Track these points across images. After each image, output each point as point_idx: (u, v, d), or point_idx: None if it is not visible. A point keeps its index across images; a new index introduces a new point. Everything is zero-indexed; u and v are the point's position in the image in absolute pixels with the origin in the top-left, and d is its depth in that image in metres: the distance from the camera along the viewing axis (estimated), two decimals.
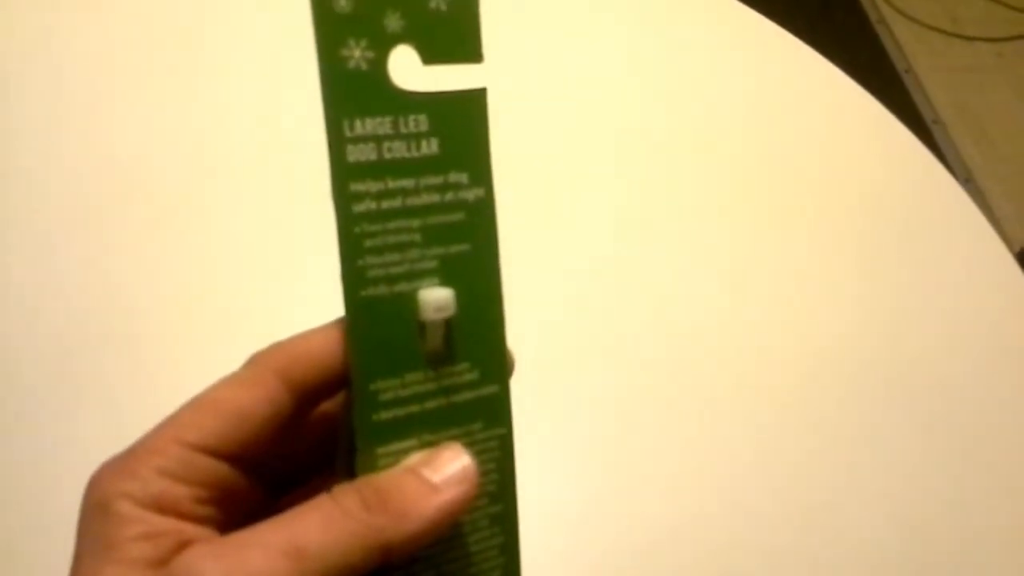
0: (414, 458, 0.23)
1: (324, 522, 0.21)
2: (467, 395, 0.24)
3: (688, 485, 0.48)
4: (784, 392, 0.52)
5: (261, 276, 0.52)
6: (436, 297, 0.23)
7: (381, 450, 0.23)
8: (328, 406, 0.25)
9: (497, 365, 0.25)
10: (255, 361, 0.24)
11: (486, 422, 0.25)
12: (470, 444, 0.24)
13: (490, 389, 0.25)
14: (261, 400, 0.23)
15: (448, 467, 0.23)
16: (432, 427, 0.24)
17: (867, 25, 1.84)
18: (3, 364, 0.48)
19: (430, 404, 0.24)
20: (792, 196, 0.61)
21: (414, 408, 0.24)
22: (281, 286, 0.51)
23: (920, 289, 0.58)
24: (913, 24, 1.84)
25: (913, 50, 1.79)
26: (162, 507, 0.22)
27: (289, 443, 0.25)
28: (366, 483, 0.22)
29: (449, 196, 0.24)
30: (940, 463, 0.51)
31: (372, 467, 0.23)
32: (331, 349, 0.23)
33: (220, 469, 0.23)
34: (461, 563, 0.25)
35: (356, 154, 0.23)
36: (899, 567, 0.47)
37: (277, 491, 0.25)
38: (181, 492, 0.22)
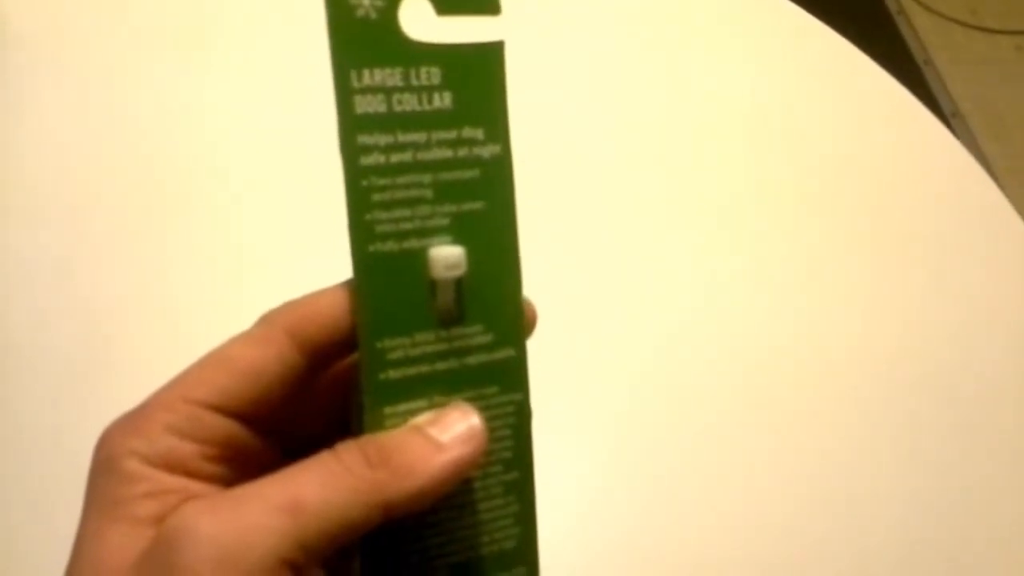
0: (421, 417, 0.23)
1: (324, 477, 0.21)
2: (481, 357, 0.24)
3: (707, 475, 0.47)
4: (805, 383, 0.51)
5: (271, 271, 0.52)
6: (447, 254, 0.23)
7: (389, 409, 0.23)
8: (345, 366, 0.25)
9: (513, 328, 0.24)
10: (265, 320, 0.23)
11: (501, 386, 0.24)
12: (484, 408, 0.23)
13: (505, 353, 0.24)
14: (271, 358, 0.23)
15: (455, 426, 0.22)
16: (443, 389, 0.23)
17: (886, 16, 1.82)
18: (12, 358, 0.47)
19: (441, 365, 0.23)
20: (816, 183, 0.60)
21: (424, 368, 0.23)
22: (293, 282, 0.51)
23: (946, 281, 0.57)
24: (932, 16, 1.82)
25: (932, 42, 1.77)
26: (170, 464, 0.22)
27: (303, 404, 0.24)
28: (369, 440, 0.22)
29: (463, 152, 0.23)
30: (965, 459, 0.50)
31: (380, 426, 0.23)
32: (342, 307, 0.23)
33: (230, 427, 0.23)
34: (474, 530, 0.24)
35: (364, 105, 0.22)
36: (926, 565, 0.46)
37: (296, 454, 0.25)
38: (189, 449, 0.22)
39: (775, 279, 0.55)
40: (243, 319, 0.24)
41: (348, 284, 0.23)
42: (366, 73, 0.22)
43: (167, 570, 0.20)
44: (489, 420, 0.23)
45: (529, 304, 0.25)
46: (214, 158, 0.56)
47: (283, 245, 0.52)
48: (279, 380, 0.23)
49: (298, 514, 0.20)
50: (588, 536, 0.45)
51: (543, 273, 0.50)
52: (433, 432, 0.22)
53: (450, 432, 0.22)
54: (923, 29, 1.80)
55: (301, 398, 0.24)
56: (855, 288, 0.56)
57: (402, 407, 0.23)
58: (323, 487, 0.21)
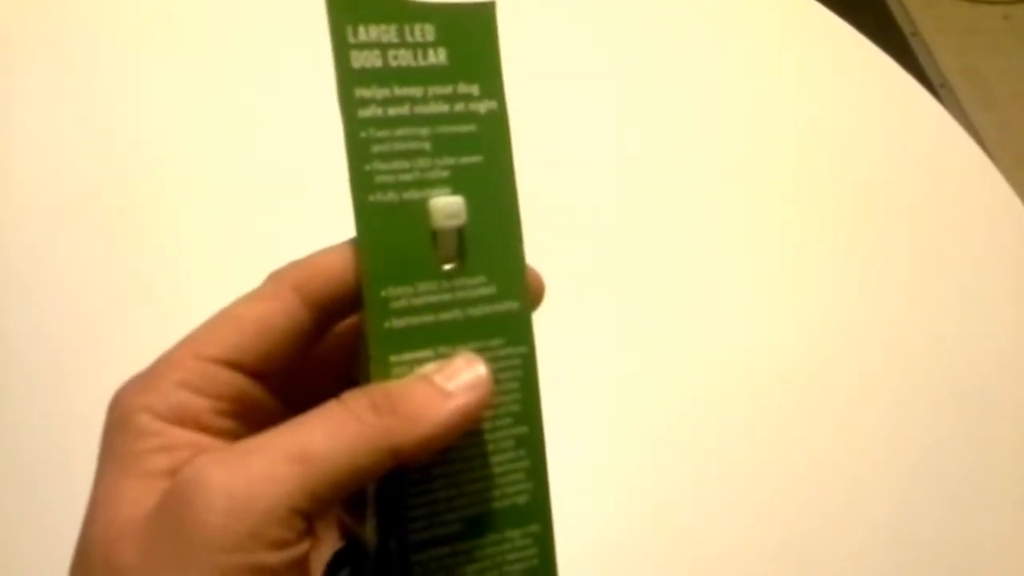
0: (427, 367, 0.23)
1: (331, 425, 0.21)
2: (484, 309, 0.24)
3: (711, 470, 0.48)
4: (796, 372, 0.52)
5: (262, 262, 0.51)
6: (446, 203, 0.23)
7: (394, 358, 0.23)
8: (351, 325, 0.25)
9: (515, 282, 0.25)
10: (272, 277, 0.24)
11: (506, 339, 0.24)
12: (490, 360, 0.24)
13: (509, 305, 0.24)
14: (278, 312, 0.23)
15: (461, 374, 0.23)
16: (448, 340, 0.24)
17: None
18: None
19: (445, 316, 0.24)
20: (801, 157, 0.60)
21: (428, 318, 0.23)
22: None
23: (938, 253, 0.57)
24: None
25: (919, 13, 1.77)
26: (182, 419, 0.22)
27: (311, 362, 0.25)
28: (376, 388, 0.22)
29: (459, 107, 0.24)
30: (970, 449, 0.49)
31: (386, 376, 0.23)
32: (347, 263, 0.23)
33: (240, 382, 0.23)
34: (485, 483, 0.24)
35: (360, 60, 0.23)
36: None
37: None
38: (201, 404, 0.22)
39: (758, 251, 0.56)
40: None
41: (352, 241, 0.24)
42: (361, 29, 0.23)
43: (178, 521, 0.20)
44: (496, 372, 0.24)
45: (536, 275, 0.25)
46: (204, 149, 0.56)
47: (274, 237, 0.52)
48: (287, 335, 0.23)
49: (306, 462, 0.21)
50: (584, 528, 0.45)
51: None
52: (439, 380, 0.23)
53: (456, 380, 0.23)
54: (909, 0, 1.79)
55: (309, 356, 0.24)
56: (841, 261, 0.56)
57: (407, 356, 0.23)
58: (330, 435, 0.21)
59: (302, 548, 0.21)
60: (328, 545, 0.26)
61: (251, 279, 0.24)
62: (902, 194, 0.59)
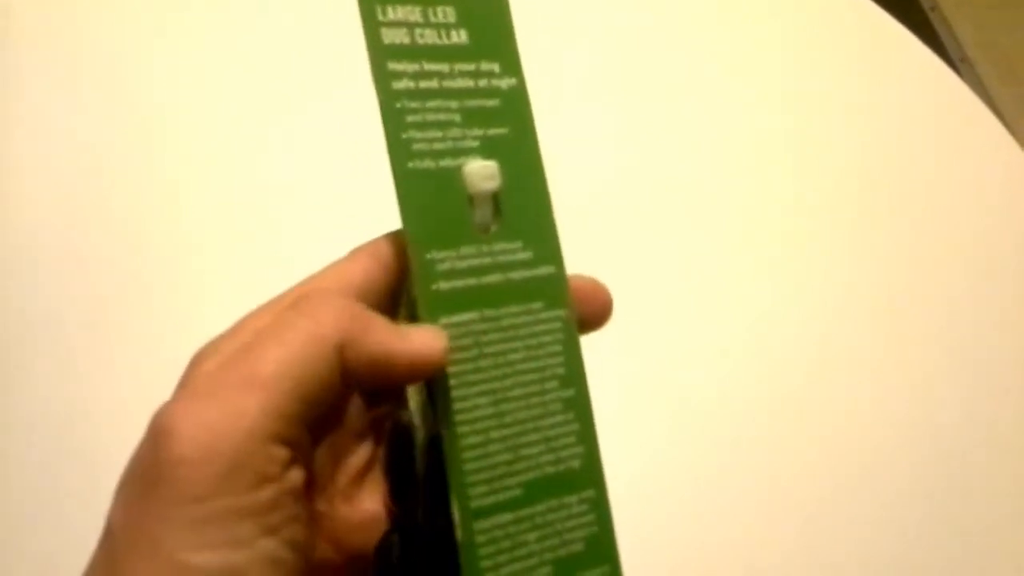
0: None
1: (278, 339, 0.22)
2: (523, 273, 0.25)
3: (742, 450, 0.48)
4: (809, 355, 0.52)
5: (274, 260, 0.52)
6: (482, 166, 0.25)
7: (444, 320, 0.24)
8: None
9: (549, 247, 0.26)
10: (351, 252, 0.25)
11: (546, 302, 0.25)
12: (533, 323, 0.25)
13: (546, 270, 0.25)
14: (372, 267, 0.25)
15: (424, 332, 0.23)
16: (492, 303, 0.25)
17: None
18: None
19: (487, 279, 0.25)
20: (821, 133, 0.61)
21: (471, 281, 0.24)
22: (298, 271, 0.51)
23: (958, 228, 0.57)
24: None
25: None
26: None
27: None
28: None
29: (483, 82, 0.25)
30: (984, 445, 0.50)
31: None
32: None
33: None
34: (538, 447, 0.25)
35: (390, 37, 0.24)
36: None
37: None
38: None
39: (771, 231, 0.56)
40: (250, 306, 0.25)
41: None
42: (389, 9, 0.24)
43: (152, 478, 0.20)
44: (540, 335, 0.25)
45: (603, 289, 0.26)
46: (218, 147, 0.56)
47: (285, 237, 0.52)
48: (386, 283, 0.25)
49: (264, 386, 0.20)
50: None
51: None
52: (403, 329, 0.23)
53: (419, 334, 0.23)
54: None
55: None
56: (858, 238, 0.56)
57: (455, 318, 0.24)
58: (276, 349, 0.21)
59: (290, 481, 0.21)
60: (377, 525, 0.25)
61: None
62: (922, 169, 0.59)
